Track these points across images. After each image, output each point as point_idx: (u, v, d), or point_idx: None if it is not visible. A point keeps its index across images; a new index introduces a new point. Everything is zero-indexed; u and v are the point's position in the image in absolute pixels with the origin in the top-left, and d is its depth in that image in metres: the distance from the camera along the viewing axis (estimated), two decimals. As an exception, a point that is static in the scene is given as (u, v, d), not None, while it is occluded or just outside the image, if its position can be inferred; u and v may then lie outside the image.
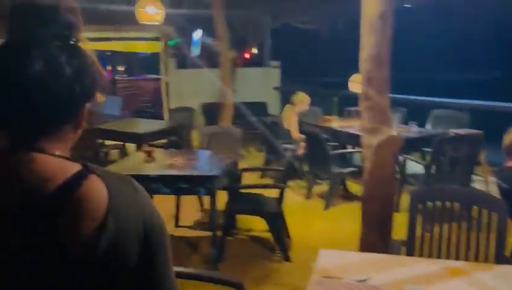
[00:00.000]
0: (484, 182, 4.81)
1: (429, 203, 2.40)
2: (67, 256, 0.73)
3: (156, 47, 9.23)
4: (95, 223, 0.74)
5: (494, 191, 4.47)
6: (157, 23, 4.26)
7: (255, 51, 12.23)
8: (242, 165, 4.20)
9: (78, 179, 0.77)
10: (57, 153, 0.81)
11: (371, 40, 3.22)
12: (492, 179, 4.65)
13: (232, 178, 3.74)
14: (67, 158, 0.82)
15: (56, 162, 0.79)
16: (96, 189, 0.78)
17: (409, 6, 7.50)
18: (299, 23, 9.07)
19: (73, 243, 0.73)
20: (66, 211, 0.74)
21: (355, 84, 5.47)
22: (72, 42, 0.83)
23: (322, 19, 9.02)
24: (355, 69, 5.87)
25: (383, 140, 3.19)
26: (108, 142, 5.88)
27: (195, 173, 3.22)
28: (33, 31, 0.79)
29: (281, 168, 4.03)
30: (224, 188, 3.59)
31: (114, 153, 5.99)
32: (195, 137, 7.27)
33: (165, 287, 0.85)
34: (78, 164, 0.81)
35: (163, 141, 5.95)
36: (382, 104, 3.26)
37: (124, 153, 5.84)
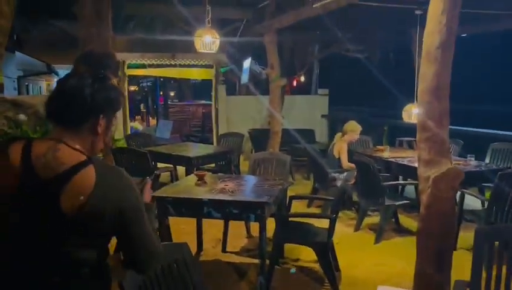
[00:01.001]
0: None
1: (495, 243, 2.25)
2: (63, 216, 1.15)
3: (208, 74, 9.53)
4: (82, 199, 1.15)
5: None
6: (212, 52, 4.41)
7: (302, 78, 12.33)
8: (289, 193, 4.17)
9: (79, 167, 1.18)
10: (76, 147, 1.23)
11: (430, 71, 3.15)
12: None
13: (281, 205, 3.71)
14: (81, 152, 1.23)
15: (71, 153, 1.21)
16: (88, 175, 1.18)
17: (465, 35, 7.30)
18: (348, 52, 9.06)
19: (67, 208, 1.15)
20: (65, 187, 1.16)
21: (410, 114, 5.32)
22: (101, 75, 1.29)
23: (371, 48, 8.97)
24: (406, 98, 5.78)
25: (441, 173, 3.05)
26: (159, 165, 6.06)
27: (246, 198, 3.22)
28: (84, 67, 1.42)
29: (331, 198, 3.95)
30: (272, 215, 3.57)
31: (165, 176, 6.15)
32: (244, 162, 7.36)
33: (140, 244, 1.27)
34: (85, 156, 1.21)
35: (212, 165, 6.05)
36: (441, 135, 3.14)
37: (174, 176, 5.97)
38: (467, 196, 4.41)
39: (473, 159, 5.02)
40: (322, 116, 10.49)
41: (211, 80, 9.21)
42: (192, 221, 4.09)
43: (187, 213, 3.33)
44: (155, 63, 8.81)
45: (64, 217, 1.15)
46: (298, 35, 8.08)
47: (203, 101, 14.74)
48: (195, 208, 3.21)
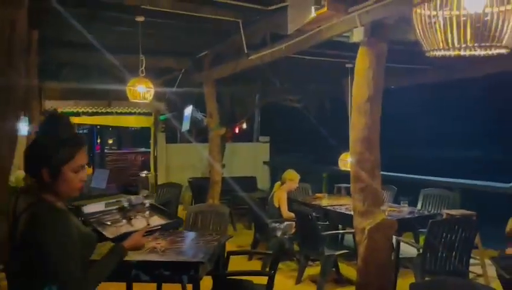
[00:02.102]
0: (481, 266, 4.63)
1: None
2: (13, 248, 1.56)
3: (147, 122, 9.32)
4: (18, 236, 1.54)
5: (492, 275, 4.25)
6: (146, 101, 4.28)
7: (244, 126, 12.45)
8: (230, 243, 3.99)
9: (27, 209, 1.56)
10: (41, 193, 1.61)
11: (360, 122, 3.23)
12: (488, 262, 4.50)
13: (219, 263, 3.52)
14: (40, 197, 1.60)
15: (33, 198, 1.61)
16: (25, 217, 1.55)
17: (393, 87, 7.78)
18: (287, 102, 9.32)
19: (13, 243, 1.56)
20: (15, 226, 1.56)
21: (345, 162, 5.45)
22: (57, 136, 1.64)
23: (307, 98, 9.30)
24: (343, 146, 5.95)
25: (376, 223, 3.07)
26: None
27: (178, 258, 3.00)
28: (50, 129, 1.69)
29: (270, 252, 3.82)
30: (209, 274, 3.36)
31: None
32: (183, 212, 7.06)
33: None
34: (36, 201, 1.59)
35: (148, 218, 5.71)
36: (374, 186, 3.19)
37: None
38: (403, 243, 4.48)
39: (406, 205, 5.18)
40: (264, 163, 10.54)
41: (150, 128, 9.00)
42: (123, 285, 3.74)
43: (112, 277, 3.01)
44: (90, 110, 8.48)
45: (13, 248, 1.63)
46: (239, 84, 8.21)
47: (142, 149, 14.31)
48: (120, 271, 2.92)
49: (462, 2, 1.14)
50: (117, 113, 8.75)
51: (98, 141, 16.03)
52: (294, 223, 5.05)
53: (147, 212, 2.25)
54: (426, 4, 1.18)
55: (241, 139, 12.17)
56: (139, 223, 2.12)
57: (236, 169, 9.15)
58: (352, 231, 4.79)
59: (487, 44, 1.13)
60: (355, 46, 3.60)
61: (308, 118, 9.74)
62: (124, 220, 2.16)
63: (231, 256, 3.78)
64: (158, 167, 8.76)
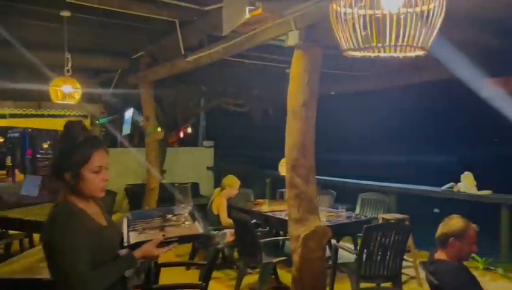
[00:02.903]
0: (414, 268, 4.75)
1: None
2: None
3: (82, 125, 8.78)
4: None
5: (423, 277, 4.36)
6: (72, 102, 3.97)
7: (189, 131, 12.17)
8: (169, 253, 3.76)
9: (51, 210, 1.75)
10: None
11: (296, 128, 3.17)
12: (419, 262, 4.63)
13: (148, 275, 3.29)
14: (65, 198, 1.75)
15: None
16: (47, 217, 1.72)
17: (333, 93, 7.91)
18: (232, 106, 9.21)
19: None
20: None
21: (285, 167, 5.40)
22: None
23: (253, 103, 9.25)
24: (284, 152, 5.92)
25: (311, 231, 3.01)
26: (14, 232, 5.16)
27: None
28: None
29: (204, 263, 3.66)
30: (139, 287, 3.13)
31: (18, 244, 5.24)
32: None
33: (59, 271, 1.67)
34: (60, 202, 1.75)
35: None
36: (309, 192, 3.13)
37: (30, 245, 5.13)
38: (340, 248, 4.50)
39: (344, 210, 5.23)
40: (208, 168, 10.34)
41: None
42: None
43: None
44: (18, 112, 7.84)
45: None
46: (183, 87, 7.98)
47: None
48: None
49: (378, 0, 1.08)
50: (48, 116, 8.17)
51: (31, 145, 15.03)
52: (233, 230, 4.91)
53: (187, 223, 2.17)
54: (342, 0, 1.11)
55: (186, 144, 11.89)
56: (169, 232, 2.03)
57: (179, 175, 8.88)
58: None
59: (404, 44, 1.07)
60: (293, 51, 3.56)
61: (253, 123, 9.69)
62: (156, 229, 2.08)
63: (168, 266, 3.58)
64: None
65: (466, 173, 5.61)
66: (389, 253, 3.86)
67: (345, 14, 1.12)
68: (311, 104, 3.16)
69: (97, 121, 8.64)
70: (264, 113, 9.23)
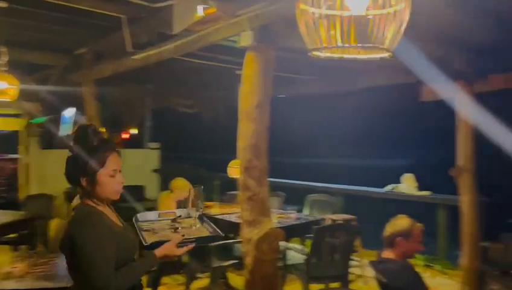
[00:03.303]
0: (361, 267, 4.90)
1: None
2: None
3: (17, 124, 8.19)
4: None
5: (370, 275, 4.49)
6: (8, 100, 3.67)
7: (136, 131, 11.75)
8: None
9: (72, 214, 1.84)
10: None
11: (249, 129, 3.14)
12: (366, 261, 4.78)
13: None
14: (83, 202, 1.82)
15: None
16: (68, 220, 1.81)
17: (283, 96, 7.99)
18: (181, 107, 9.02)
19: None
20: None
21: (234, 170, 5.36)
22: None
23: (203, 104, 9.12)
24: (234, 154, 5.87)
25: (263, 233, 2.99)
26: None
27: (35, 285, 2.55)
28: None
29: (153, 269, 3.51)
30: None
31: None
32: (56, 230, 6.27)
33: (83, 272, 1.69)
34: (79, 205, 1.83)
35: (14, 235, 4.94)
36: (262, 194, 3.12)
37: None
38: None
39: (294, 211, 5.28)
40: (154, 171, 10.04)
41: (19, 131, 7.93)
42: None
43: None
44: None
45: None
46: (129, 86, 7.68)
47: (14, 155, 12.61)
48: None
49: (344, 1, 1.07)
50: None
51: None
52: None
53: (197, 225, 2.25)
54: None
55: (132, 145, 11.45)
56: (184, 233, 2.07)
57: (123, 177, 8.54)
58: (240, 240, 4.73)
59: (369, 45, 1.07)
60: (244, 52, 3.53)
61: (202, 124, 9.55)
62: (170, 230, 2.15)
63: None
64: (30, 176, 7.74)
65: (407, 174, 5.89)
66: (337, 253, 3.94)
67: (313, 13, 1.10)
68: (264, 105, 3.15)
69: (33, 121, 8.10)
70: (215, 115, 9.13)
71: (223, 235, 2.15)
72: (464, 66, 4.44)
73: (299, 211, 5.62)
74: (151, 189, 9.39)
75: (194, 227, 2.19)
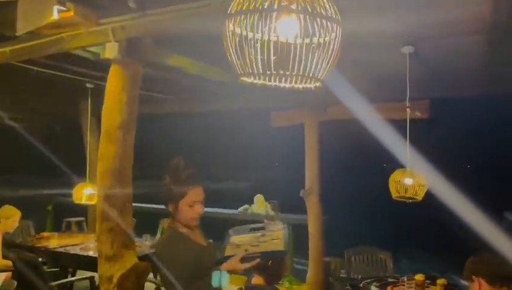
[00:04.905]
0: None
1: None
2: None
3: None
4: None
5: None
6: None
7: None
8: None
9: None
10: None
11: (111, 151, 2.81)
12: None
13: None
14: (172, 223, 2.22)
15: None
16: None
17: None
18: (7, 120, 7.67)
19: None
20: None
21: (81, 194, 4.75)
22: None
23: (34, 117, 7.95)
24: (77, 175, 5.22)
25: (127, 270, 2.67)
26: None
27: None
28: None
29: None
30: None
31: None
32: None
33: None
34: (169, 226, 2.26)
35: None
36: (125, 224, 2.79)
37: None
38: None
39: (148, 237, 4.95)
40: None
41: None
42: None
43: None
44: None
45: None
46: None
47: None
48: None
49: (274, 27, 1.00)
50: None
51: None
52: (11, 273, 3.97)
53: (277, 240, 2.30)
54: (238, 21, 0.98)
55: None
56: (262, 247, 2.22)
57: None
58: (87, 276, 4.19)
59: (300, 74, 1.01)
60: (100, 65, 3.17)
61: (32, 140, 8.27)
62: (248, 245, 2.25)
63: None
64: None
65: (258, 195, 6.15)
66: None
67: (240, 35, 0.99)
68: (129, 125, 2.86)
69: None
70: (49, 130, 8.03)
71: (286, 250, 2.27)
72: (311, 97, 4.90)
73: (153, 237, 5.28)
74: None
75: (273, 241, 2.25)
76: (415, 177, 3.03)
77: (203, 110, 6.48)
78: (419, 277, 2.50)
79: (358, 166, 37.12)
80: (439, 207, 4.36)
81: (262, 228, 2.36)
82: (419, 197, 2.99)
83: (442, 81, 4.51)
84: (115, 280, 2.63)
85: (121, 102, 2.83)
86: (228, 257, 2.17)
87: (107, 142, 2.79)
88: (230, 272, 2.16)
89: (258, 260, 2.16)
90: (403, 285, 3.04)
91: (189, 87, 5.33)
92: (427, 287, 2.54)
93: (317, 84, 1.12)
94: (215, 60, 3.79)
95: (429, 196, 3.10)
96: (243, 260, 2.17)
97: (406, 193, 2.96)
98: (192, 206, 2.11)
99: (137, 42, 2.86)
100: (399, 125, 3.88)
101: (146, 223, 5.92)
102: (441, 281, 2.46)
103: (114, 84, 2.84)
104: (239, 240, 2.29)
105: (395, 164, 3.32)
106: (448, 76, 4.28)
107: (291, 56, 0.99)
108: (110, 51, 2.78)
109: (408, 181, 3.10)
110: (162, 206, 6.56)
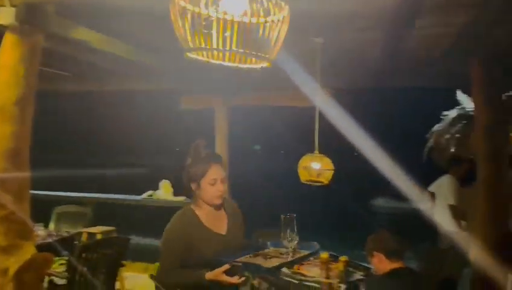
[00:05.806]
0: (121, 281, 4.63)
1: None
2: None
3: None
4: None
5: (128, 288, 4.33)
6: None
7: None
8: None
9: None
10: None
11: (5, 130, 2.51)
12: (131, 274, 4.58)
13: None
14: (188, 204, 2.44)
15: None
16: None
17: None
18: None
19: None
20: None
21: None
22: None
23: None
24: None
25: (26, 261, 2.43)
26: None
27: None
28: None
29: None
30: None
31: None
32: None
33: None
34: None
35: None
36: (22, 212, 2.54)
37: None
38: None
39: (42, 227, 4.52)
40: None
41: None
42: None
43: None
44: None
45: None
46: None
47: None
48: None
49: (225, 4, 0.97)
50: None
51: None
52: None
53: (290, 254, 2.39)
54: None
55: None
56: (270, 261, 2.25)
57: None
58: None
59: (248, 52, 1.00)
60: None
61: None
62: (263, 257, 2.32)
63: None
64: None
65: (164, 181, 5.98)
66: (103, 271, 3.59)
67: (191, 11, 0.93)
68: (27, 102, 2.56)
69: None
70: None
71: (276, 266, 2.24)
72: (222, 82, 4.89)
73: (46, 226, 4.84)
74: None
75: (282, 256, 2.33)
76: (323, 162, 3.22)
77: (102, 89, 6.06)
78: (323, 254, 2.69)
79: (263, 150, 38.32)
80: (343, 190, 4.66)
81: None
82: (326, 181, 3.19)
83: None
84: (11, 273, 2.38)
85: (18, 75, 2.52)
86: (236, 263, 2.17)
87: (1, 120, 2.48)
88: (215, 280, 2.14)
89: (243, 278, 2.11)
90: (309, 263, 3.24)
91: (90, 64, 4.94)
92: (331, 264, 2.74)
93: (264, 64, 1.12)
94: (125, 37, 3.58)
95: (336, 179, 3.32)
96: (228, 272, 2.13)
97: (318, 177, 3.13)
98: (213, 184, 2.24)
99: (37, 8, 2.56)
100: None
101: (37, 212, 5.40)
102: (343, 258, 2.67)
103: (10, 56, 2.51)
104: (274, 251, 2.40)
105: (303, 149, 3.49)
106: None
107: (242, 33, 0.98)
108: (5, 17, 2.45)
109: (315, 165, 3.29)
110: (55, 193, 6.05)
